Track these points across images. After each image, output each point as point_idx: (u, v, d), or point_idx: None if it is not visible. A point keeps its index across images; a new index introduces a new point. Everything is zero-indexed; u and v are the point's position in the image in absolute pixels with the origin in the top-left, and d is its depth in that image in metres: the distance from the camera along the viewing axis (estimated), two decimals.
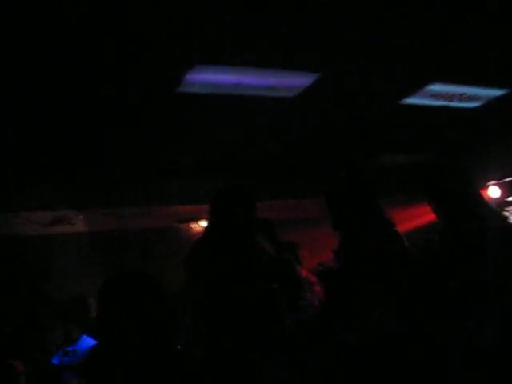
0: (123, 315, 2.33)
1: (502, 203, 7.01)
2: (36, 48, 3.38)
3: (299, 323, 3.43)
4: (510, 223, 3.64)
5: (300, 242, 5.59)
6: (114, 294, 2.40)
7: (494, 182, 7.19)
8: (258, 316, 3.23)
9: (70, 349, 5.95)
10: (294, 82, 4.44)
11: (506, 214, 6.08)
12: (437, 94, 4.89)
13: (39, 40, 3.29)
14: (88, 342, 5.62)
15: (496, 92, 5.09)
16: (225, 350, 3.21)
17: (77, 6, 2.98)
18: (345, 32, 3.64)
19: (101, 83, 4.10)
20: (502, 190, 7.17)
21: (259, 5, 3.22)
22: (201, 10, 3.16)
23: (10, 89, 3.95)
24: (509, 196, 7.23)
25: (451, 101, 5.12)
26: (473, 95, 5.09)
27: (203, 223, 8.08)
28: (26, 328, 4.85)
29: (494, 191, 7.18)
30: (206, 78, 4.20)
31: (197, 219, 8.22)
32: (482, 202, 3.26)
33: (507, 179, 7.24)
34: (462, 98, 5.10)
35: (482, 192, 4.71)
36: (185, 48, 3.67)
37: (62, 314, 5.56)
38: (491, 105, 5.32)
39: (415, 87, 4.71)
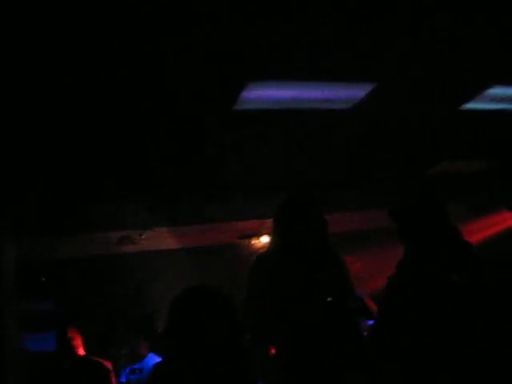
0: (188, 331, 2.34)
1: None
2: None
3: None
4: None
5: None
6: (180, 310, 2.42)
7: None
8: (318, 330, 3.19)
9: (137, 366, 6.04)
10: (351, 93, 4.43)
11: None
12: (497, 98, 4.78)
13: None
14: (154, 359, 5.70)
15: None
16: (285, 363, 3.20)
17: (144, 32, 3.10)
18: (399, 39, 3.61)
19: (161, 104, 4.21)
20: None
21: (311, 18, 3.24)
22: (253, 26, 3.19)
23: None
24: None
25: None
26: None
27: (264, 239, 8.11)
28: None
29: None
30: (262, 94, 4.23)
31: (258, 235, 8.26)
32: None
33: None
34: None
35: None
36: (239, 65, 3.72)
37: (131, 330, 5.70)
38: None
39: (475, 91, 4.62)
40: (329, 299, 3.27)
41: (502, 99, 4.84)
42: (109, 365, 5.01)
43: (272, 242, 3.63)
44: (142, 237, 7.74)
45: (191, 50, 3.30)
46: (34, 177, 5.32)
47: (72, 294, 7.98)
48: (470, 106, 4.89)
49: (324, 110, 4.68)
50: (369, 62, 3.90)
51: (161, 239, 7.91)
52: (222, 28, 3.10)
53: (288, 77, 4.04)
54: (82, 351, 5.00)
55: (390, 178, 6.56)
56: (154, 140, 4.92)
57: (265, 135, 5.09)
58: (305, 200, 3.51)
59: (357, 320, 3.52)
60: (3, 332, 5.31)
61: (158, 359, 5.42)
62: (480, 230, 7.61)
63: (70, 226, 6.91)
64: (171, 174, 5.93)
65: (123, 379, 6.16)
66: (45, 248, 7.21)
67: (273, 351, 3.49)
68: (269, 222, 3.62)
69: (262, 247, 7.83)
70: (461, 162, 6.84)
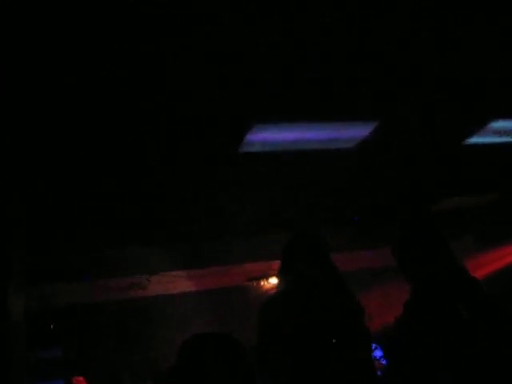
0: (197, 379, 2.29)
1: None
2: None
3: None
4: None
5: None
6: (188, 356, 2.37)
7: None
8: (333, 371, 3.15)
9: None
10: (354, 132, 4.46)
11: None
12: (500, 131, 4.80)
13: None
14: None
15: None
16: None
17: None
18: (400, 77, 3.65)
19: (164, 147, 4.23)
20: None
21: (312, 61, 3.28)
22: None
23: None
24: None
25: None
26: None
27: (273, 280, 8.07)
28: None
29: None
30: (267, 137, 4.27)
31: (267, 276, 8.22)
32: None
33: None
34: None
35: None
36: (244, 108, 3.76)
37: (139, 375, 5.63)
38: None
39: (477, 125, 4.64)
40: (334, 341, 3.22)
41: (505, 132, 4.87)
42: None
43: (280, 283, 3.60)
44: (152, 282, 7.72)
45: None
46: (37, 217, 5.30)
47: (79, 341, 7.92)
48: (474, 140, 4.92)
49: (327, 150, 4.70)
50: (370, 103, 3.93)
51: (168, 283, 7.88)
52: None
53: (291, 117, 4.08)
54: None
55: (396, 214, 6.55)
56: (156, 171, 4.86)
57: (269, 176, 5.10)
58: (310, 237, 3.50)
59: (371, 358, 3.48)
60: None
61: None
62: (491, 262, 7.57)
63: (76, 272, 6.90)
64: (177, 215, 5.92)
65: None
66: (53, 294, 7.17)
67: None
68: (276, 264, 3.60)
69: (271, 289, 7.79)
70: (468, 196, 6.83)
